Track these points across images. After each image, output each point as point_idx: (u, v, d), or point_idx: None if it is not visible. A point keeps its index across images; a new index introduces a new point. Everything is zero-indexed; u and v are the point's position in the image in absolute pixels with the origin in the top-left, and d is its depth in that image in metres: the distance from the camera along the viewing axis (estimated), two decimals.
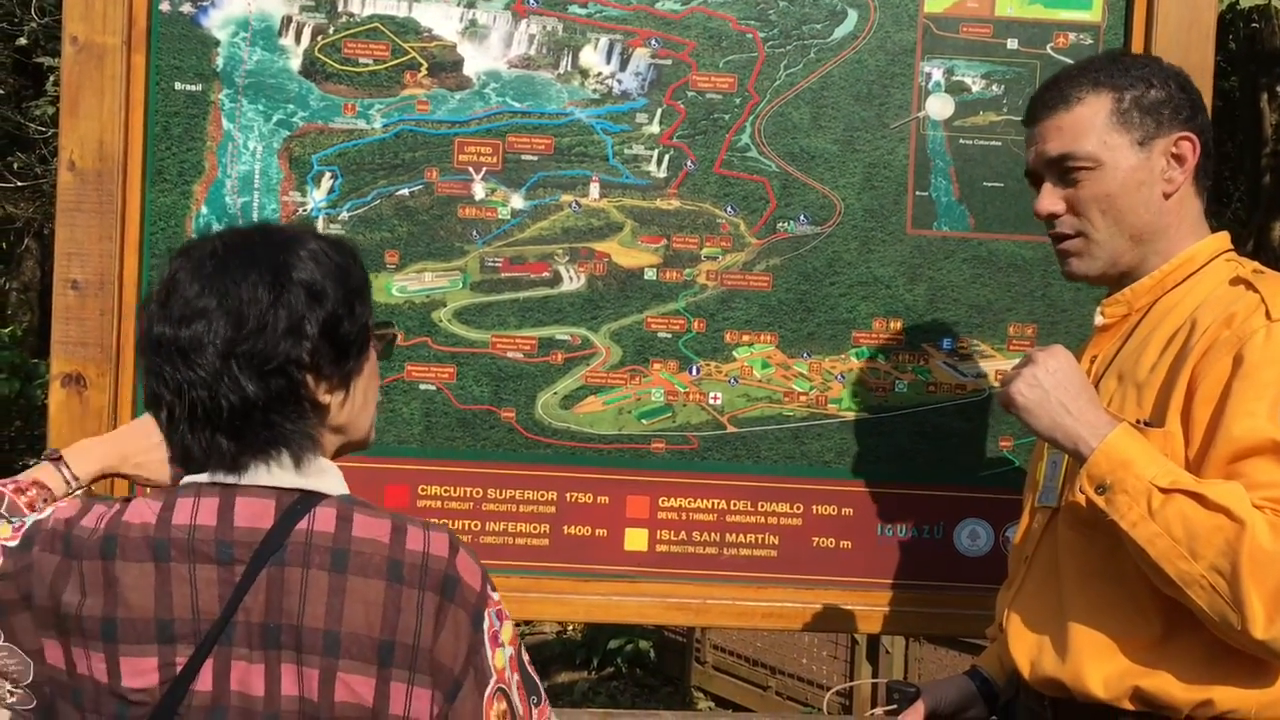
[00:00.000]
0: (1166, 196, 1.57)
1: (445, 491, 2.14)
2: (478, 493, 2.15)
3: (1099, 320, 1.65)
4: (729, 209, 2.15)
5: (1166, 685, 1.45)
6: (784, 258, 2.16)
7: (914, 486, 2.19)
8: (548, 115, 2.14)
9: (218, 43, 2.09)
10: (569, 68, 2.13)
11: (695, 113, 2.14)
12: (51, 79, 9.22)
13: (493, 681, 1.18)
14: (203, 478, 1.20)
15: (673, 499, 2.17)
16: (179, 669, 1.14)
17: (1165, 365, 1.50)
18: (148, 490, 1.55)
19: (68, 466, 1.52)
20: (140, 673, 1.14)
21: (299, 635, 1.13)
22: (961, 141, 2.16)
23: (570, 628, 7.04)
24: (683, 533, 2.18)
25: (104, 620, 1.15)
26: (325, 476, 1.22)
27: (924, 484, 2.18)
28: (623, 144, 2.14)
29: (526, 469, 2.16)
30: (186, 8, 2.09)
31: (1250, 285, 1.48)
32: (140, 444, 1.57)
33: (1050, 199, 1.61)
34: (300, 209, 2.11)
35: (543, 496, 2.16)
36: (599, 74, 2.13)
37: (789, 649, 6.14)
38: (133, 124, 2.06)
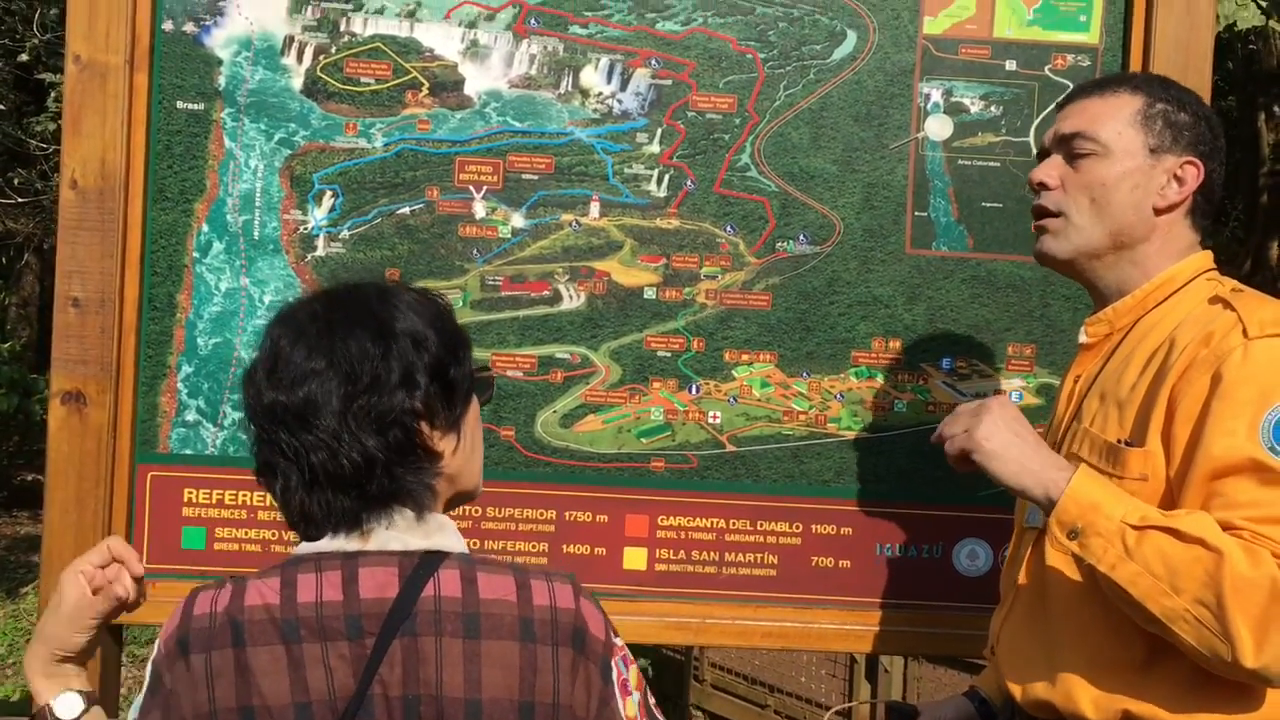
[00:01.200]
0: (1157, 211, 1.58)
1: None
2: (477, 511, 2.15)
3: (1082, 339, 1.66)
4: (728, 228, 2.16)
5: (1154, 710, 1.45)
6: (783, 277, 2.16)
7: (913, 506, 2.19)
8: (548, 135, 2.15)
9: (220, 62, 2.10)
10: (569, 87, 2.14)
11: (695, 132, 2.15)
12: (53, 95, 9.25)
13: None
14: (322, 545, 1.19)
15: (672, 518, 2.17)
16: None
17: (1145, 384, 1.50)
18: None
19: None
20: None
21: (439, 706, 1.13)
22: (960, 162, 2.16)
23: None
24: (682, 552, 2.17)
25: (240, 711, 1.13)
26: (445, 533, 1.22)
27: (923, 504, 2.18)
28: (623, 163, 2.15)
29: (526, 487, 2.16)
30: (189, 27, 2.10)
31: (1228, 304, 1.48)
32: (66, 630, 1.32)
33: (1047, 169, 1.63)
34: (301, 227, 2.12)
35: (542, 515, 2.16)
36: (599, 94, 2.14)
37: (788, 667, 6.12)
38: (135, 142, 2.07)
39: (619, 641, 1.21)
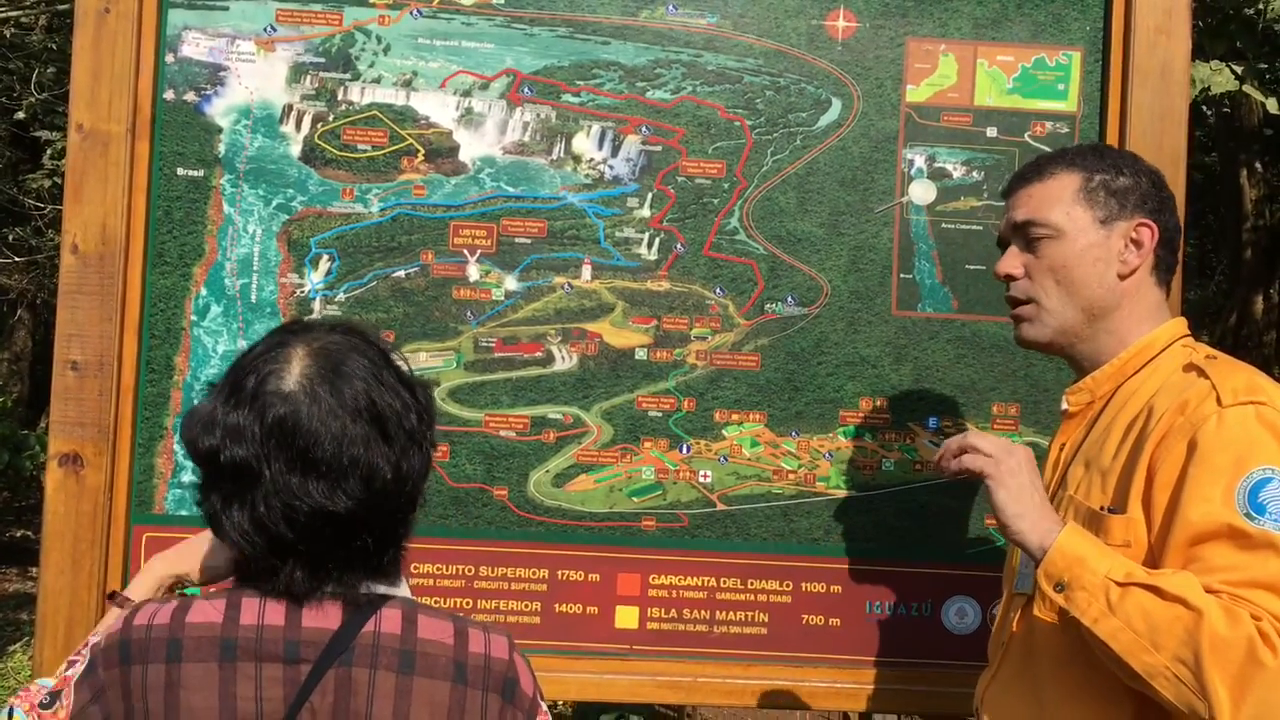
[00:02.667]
0: (1121, 278, 1.62)
1: (438, 569, 2.16)
2: (470, 570, 2.16)
3: (1065, 407, 1.70)
4: (718, 290, 2.20)
5: None
6: (772, 338, 2.20)
7: (902, 564, 2.21)
8: (541, 199, 2.19)
9: (220, 130, 2.15)
10: (562, 153, 2.19)
11: (685, 197, 2.20)
12: (48, 152, 9.32)
13: None
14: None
15: (663, 576, 2.19)
16: None
17: (1126, 451, 1.54)
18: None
19: (129, 600, 1.48)
20: None
21: None
22: (944, 226, 2.21)
23: (560, 703, 6.96)
24: (673, 610, 2.19)
25: None
26: (396, 587, 1.26)
27: (912, 562, 2.21)
28: (614, 227, 2.20)
29: (518, 547, 2.17)
30: (190, 96, 2.15)
31: (1202, 372, 1.52)
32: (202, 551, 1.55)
33: (1010, 261, 1.68)
34: (298, 290, 2.15)
35: (534, 574, 2.18)
36: (591, 160, 2.19)
37: None
38: (135, 209, 2.11)
39: (544, 706, 1.26)
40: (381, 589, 1.23)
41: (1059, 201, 1.64)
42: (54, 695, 1.22)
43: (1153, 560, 1.47)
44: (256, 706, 1.15)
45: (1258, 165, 9.72)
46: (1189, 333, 1.65)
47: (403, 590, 1.26)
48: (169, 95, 2.14)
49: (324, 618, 1.18)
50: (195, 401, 2.13)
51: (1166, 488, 1.46)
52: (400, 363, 1.27)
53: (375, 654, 1.17)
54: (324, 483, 1.16)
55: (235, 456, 1.16)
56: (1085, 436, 1.64)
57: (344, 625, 1.18)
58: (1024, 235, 1.67)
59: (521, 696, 1.23)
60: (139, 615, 1.20)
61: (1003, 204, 2.14)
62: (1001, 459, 1.52)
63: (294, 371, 1.18)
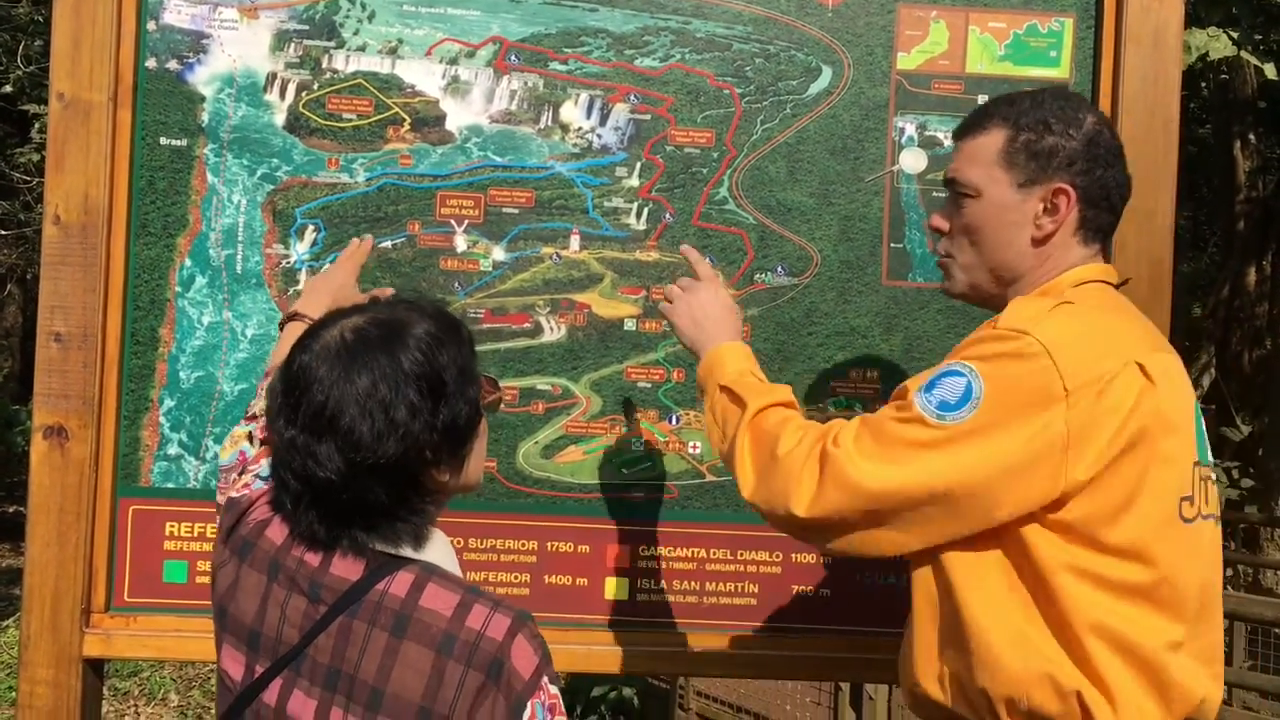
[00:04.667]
0: (1035, 242, 1.60)
1: None
2: (459, 542, 2.15)
3: None
4: (708, 260, 2.18)
5: (960, 669, 1.50)
6: (762, 308, 2.19)
7: None
8: (529, 169, 2.17)
9: (203, 99, 2.12)
10: (549, 123, 2.17)
11: (674, 166, 2.18)
12: (36, 126, 9.26)
13: None
14: None
15: (653, 548, 2.19)
16: (256, 675, 1.29)
17: None
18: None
19: (309, 317, 1.71)
20: (234, 661, 1.32)
21: (352, 684, 1.23)
22: (935, 194, 2.20)
23: None
24: (663, 581, 2.19)
25: (219, 607, 1.36)
26: (432, 547, 1.33)
27: None
28: (602, 197, 2.18)
29: (507, 518, 2.17)
30: (172, 64, 2.12)
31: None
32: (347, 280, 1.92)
33: (940, 214, 1.70)
34: (284, 261, 2.13)
35: (524, 546, 2.17)
36: (579, 129, 2.17)
37: (773, 695, 6.11)
38: (118, 178, 2.09)
39: (553, 689, 1.25)
40: (407, 551, 1.30)
41: (981, 161, 1.62)
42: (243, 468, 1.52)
43: None
44: (279, 629, 1.29)
45: (1251, 137, 9.70)
46: (1096, 279, 1.60)
47: (435, 555, 1.32)
48: (151, 63, 2.12)
49: (348, 569, 1.27)
50: (179, 374, 2.12)
51: None
52: (437, 330, 1.33)
53: (377, 612, 1.24)
54: (329, 441, 1.25)
55: (270, 409, 1.34)
56: None
57: (361, 579, 1.27)
58: (951, 190, 1.67)
59: (511, 679, 1.21)
60: (252, 512, 1.40)
61: None
62: (678, 297, 1.83)
63: (324, 337, 1.30)
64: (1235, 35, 4.10)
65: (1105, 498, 1.41)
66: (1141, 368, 1.44)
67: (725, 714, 6.14)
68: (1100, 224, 1.62)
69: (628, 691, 6.56)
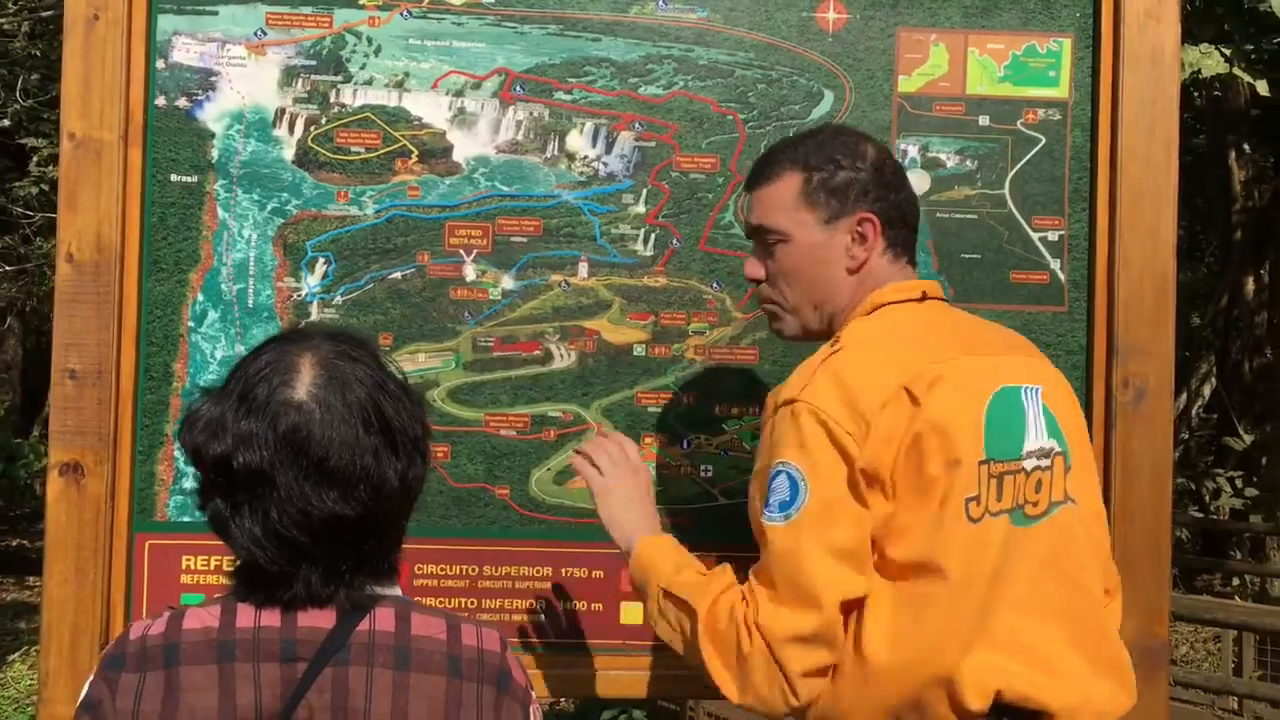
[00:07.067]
0: (850, 272, 1.69)
1: (441, 570, 2.16)
2: (473, 570, 2.16)
3: None
4: (714, 285, 2.21)
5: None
6: (768, 330, 2.20)
7: None
8: (536, 198, 2.19)
9: (213, 135, 2.14)
10: (556, 152, 2.19)
11: (679, 192, 2.20)
12: (34, 160, 9.29)
13: None
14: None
15: None
16: None
17: None
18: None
19: None
20: None
21: None
22: (939, 215, 2.22)
23: (562, 699, 6.97)
24: None
25: None
26: (387, 590, 1.31)
27: None
28: (609, 224, 2.20)
29: (521, 545, 2.18)
30: (182, 102, 2.14)
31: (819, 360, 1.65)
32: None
33: (753, 265, 1.77)
34: (295, 294, 2.15)
35: (538, 572, 2.18)
36: (585, 157, 2.19)
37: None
38: (130, 216, 2.11)
39: (534, 693, 1.31)
40: (376, 589, 1.27)
41: (782, 207, 1.69)
42: None
43: None
44: (256, 705, 1.18)
45: (1246, 147, 9.75)
46: (892, 300, 1.67)
47: (394, 590, 1.30)
48: (160, 101, 2.14)
49: (319, 617, 1.22)
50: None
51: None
52: (394, 370, 1.31)
53: (371, 652, 1.21)
54: (336, 490, 1.19)
55: (249, 463, 1.18)
56: None
57: (338, 624, 1.22)
58: (761, 239, 1.73)
59: (515, 687, 1.27)
60: (133, 630, 1.24)
61: (996, 192, 2.18)
62: (601, 479, 1.80)
63: (304, 381, 1.22)
64: (1228, 52, 4.14)
65: (897, 513, 1.53)
66: (908, 391, 1.52)
67: None
68: (901, 239, 1.71)
69: (637, 714, 6.54)
